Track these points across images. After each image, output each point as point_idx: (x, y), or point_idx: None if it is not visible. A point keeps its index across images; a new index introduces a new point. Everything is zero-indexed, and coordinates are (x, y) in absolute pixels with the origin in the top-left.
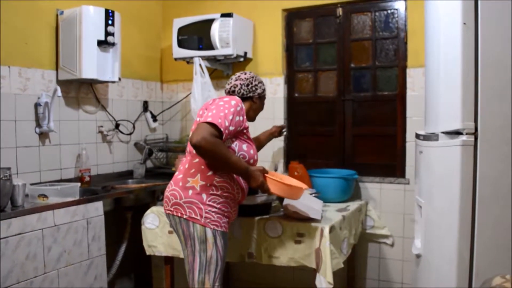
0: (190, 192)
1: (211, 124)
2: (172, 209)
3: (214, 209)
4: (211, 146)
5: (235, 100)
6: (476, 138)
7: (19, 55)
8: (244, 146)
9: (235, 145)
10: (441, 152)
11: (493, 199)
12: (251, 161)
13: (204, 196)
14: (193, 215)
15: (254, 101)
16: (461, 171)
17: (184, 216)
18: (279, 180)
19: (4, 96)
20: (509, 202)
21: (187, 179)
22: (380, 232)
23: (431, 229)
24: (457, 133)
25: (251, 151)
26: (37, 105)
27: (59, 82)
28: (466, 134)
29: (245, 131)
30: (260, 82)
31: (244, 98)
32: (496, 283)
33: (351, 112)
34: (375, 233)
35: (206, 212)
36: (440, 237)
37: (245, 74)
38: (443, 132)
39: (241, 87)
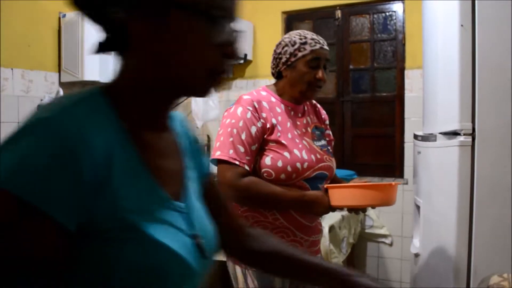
0: None
1: (225, 162)
2: None
3: None
4: (246, 192)
5: (241, 106)
6: (473, 139)
7: (22, 57)
8: (268, 160)
9: (255, 162)
10: (439, 152)
11: (490, 199)
12: (283, 176)
13: None
14: None
15: (285, 75)
16: (458, 171)
17: None
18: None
19: (7, 98)
20: (506, 202)
21: None
22: (379, 232)
23: (429, 228)
24: (455, 133)
25: (279, 163)
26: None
27: (61, 84)
28: (464, 134)
29: (265, 136)
30: (287, 45)
31: (278, 77)
32: (494, 281)
33: (350, 113)
34: (374, 233)
35: None
36: (438, 236)
37: (280, 41)
38: (441, 133)
39: (271, 67)
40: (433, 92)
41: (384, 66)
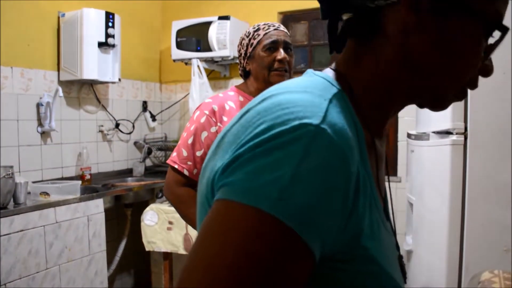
0: None
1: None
2: None
3: None
4: (174, 203)
5: (199, 111)
6: (465, 138)
7: (22, 56)
8: None
9: None
10: (432, 151)
11: (482, 197)
12: None
13: None
14: None
15: (249, 70)
16: (451, 169)
17: None
18: None
19: (7, 96)
20: (498, 200)
21: None
22: None
23: (422, 225)
24: (448, 133)
25: None
26: (39, 105)
27: (60, 83)
28: (456, 134)
29: None
30: (243, 39)
31: (246, 76)
32: (485, 278)
33: None
34: None
35: None
36: (430, 233)
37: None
38: (434, 132)
39: (239, 68)
40: None
41: None
